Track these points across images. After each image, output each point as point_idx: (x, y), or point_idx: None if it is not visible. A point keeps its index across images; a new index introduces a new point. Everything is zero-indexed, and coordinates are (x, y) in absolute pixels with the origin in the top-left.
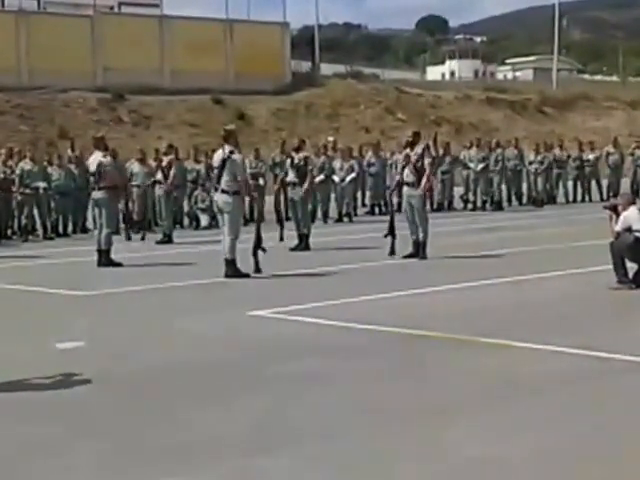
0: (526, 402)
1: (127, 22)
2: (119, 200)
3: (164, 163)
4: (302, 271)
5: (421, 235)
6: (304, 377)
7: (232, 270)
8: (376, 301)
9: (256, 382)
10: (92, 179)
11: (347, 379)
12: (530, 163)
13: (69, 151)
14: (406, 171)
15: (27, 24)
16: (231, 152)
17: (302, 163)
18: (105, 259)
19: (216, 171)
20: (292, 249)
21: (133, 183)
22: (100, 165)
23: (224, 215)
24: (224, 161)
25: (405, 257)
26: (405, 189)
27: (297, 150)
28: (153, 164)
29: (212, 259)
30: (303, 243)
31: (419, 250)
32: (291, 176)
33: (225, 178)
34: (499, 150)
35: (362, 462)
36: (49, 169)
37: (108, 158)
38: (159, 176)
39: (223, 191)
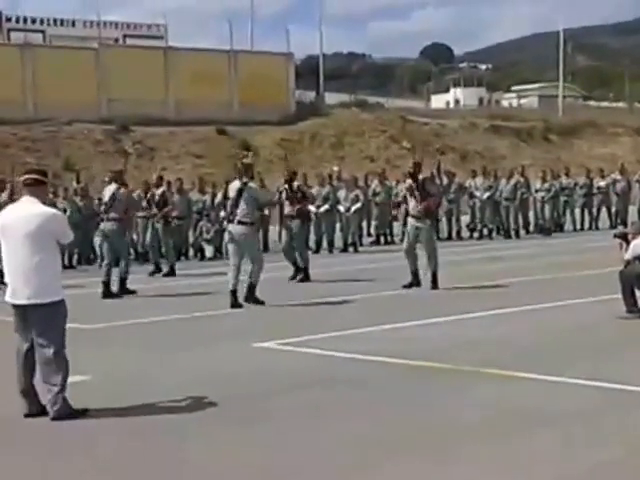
0: (534, 435)
1: (132, 54)
2: (127, 231)
3: (157, 196)
4: (306, 301)
5: (432, 265)
6: (308, 409)
7: (253, 297)
8: (381, 332)
9: (259, 415)
10: (102, 208)
11: (351, 411)
12: (537, 191)
13: (74, 183)
14: (412, 203)
15: (32, 57)
16: (245, 183)
17: (299, 193)
18: (121, 289)
19: (231, 201)
20: (291, 278)
21: (139, 215)
22: (113, 196)
23: (240, 245)
24: (240, 191)
25: (405, 287)
26: (411, 220)
27: (290, 182)
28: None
29: (217, 290)
30: (301, 274)
31: (418, 280)
32: (287, 208)
33: (242, 209)
34: (522, 179)
35: None
36: (55, 201)
37: (122, 190)
38: (154, 209)
39: (240, 222)
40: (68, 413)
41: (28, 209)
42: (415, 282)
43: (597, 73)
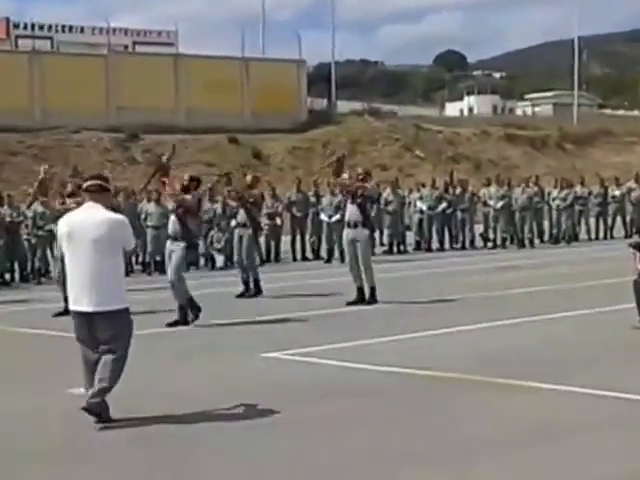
0: (550, 446)
1: (142, 61)
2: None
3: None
4: (311, 312)
5: (367, 282)
6: (323, 420)
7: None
8: (391, 342)
9: (274, 425)
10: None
11: (365, 422)
12: (554, 199)
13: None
14: (351, 208)
15: (40, 64)
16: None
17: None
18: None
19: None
20: (238, 296)
21: (148, 224)
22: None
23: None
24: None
25: (349, 304)
26: (347, 231)
27: (250, 188)
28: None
29: (222, 301)
30: (252, 289)
31: (364, 296)
32: (240, 217)
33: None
34: (536, 188)
35: None
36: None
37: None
38: None
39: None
40: (99, 411)
41: (94, 215)
42: (360, 299)
43: (612, 81)
